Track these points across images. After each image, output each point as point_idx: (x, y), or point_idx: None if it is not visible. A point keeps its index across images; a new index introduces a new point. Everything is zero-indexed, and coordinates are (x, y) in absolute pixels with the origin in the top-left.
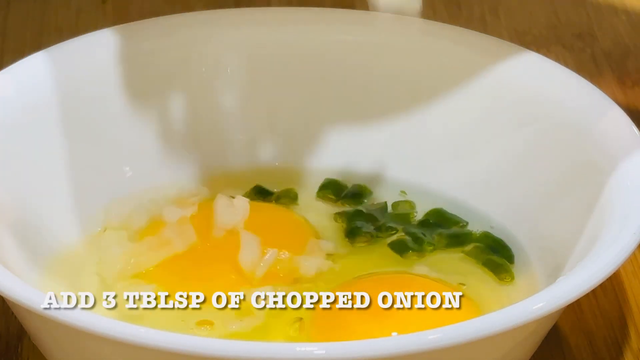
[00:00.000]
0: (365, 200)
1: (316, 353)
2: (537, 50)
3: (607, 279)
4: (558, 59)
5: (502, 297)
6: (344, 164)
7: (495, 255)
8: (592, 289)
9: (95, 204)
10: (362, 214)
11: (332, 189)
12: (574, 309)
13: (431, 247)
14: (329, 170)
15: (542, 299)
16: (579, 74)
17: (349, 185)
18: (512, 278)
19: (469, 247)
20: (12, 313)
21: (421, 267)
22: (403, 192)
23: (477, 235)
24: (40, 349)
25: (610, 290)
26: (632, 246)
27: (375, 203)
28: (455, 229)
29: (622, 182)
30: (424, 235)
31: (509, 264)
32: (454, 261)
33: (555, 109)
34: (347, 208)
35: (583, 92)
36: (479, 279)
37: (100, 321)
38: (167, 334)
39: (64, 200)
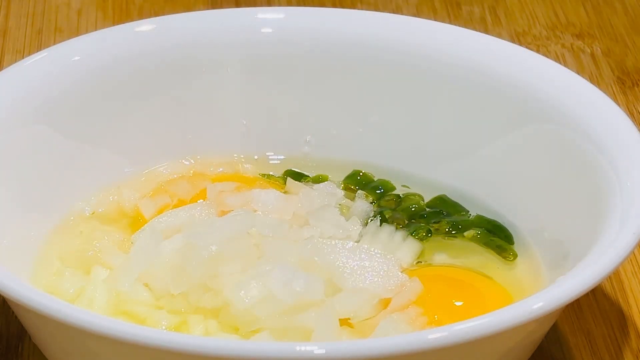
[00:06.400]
0: (380, 192)
1: (316, 353)
2: (537, 50)
3: (607, 279)
4: (558, 59)
5: (512, 276)
6: (345, 159)
7: (494, 236)
8: (592, 288)
9: (88, 189)
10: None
11: (356, 180)
12: (574, 309)
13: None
14: (330, 165)
15: (542, 299)
16: (579, 74)
17: (375, 178)
18: (515, 256)
19: (469, 233)
20: (13, 313)
21: (441, 255)
22: (405, 185)
23: (473, 219)
24: (41, 348)
25: (610, 290)
26: (632, 246)
27: (390, 195)
28: (454, 217)
29: (622, 182)
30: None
31: (508, 244)
32: (461, 246)
33: (555, 108)
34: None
35: (583, 92)
36: (488, 260)
37: (100, 321)
38: (167, 333)
39: (59, 186)
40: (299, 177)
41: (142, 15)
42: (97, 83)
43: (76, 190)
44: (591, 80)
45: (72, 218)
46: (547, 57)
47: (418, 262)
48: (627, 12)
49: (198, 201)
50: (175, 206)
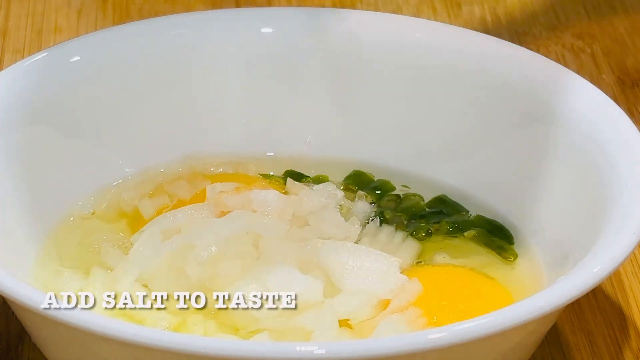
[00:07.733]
0: (380, 192)
1: (316, 353)
2: (537, 50)
3: (607, 279)
4: (558, 59)
5: (513, 277)
6: (345, 159)
7: (495, 236)
8: (591, 289)
9: (88, 189)
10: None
11: (356, 180)
12: (574, 309)
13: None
14: (330, 165)
15: (542, 299)
16: (579, 74)
17: (375, 178)
18: (515, 256)
19: (469, 233)
20: (13, 313)
21: (441, 255)
22: (405, 185)
23: (473, 219)
24: (41, 348)
25: (610, 290)
26: (632, 246)
27: (390, 195)
28: (454, 217)
29: (622, 182)
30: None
31: (508, 244)
32: (461, 246)
33: (555, 109)
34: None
35: (583, 92)
36: (488, 260)
37: (100, 321)
38: (167, 333)
39: (59, 186)
40: (299, 177)
41: (142, 15)
42: (97, 83)
43: (76, 190)
44: (591, 80)
45: (72, 218)
46: (547, 57)
47: (418, 262)
48: (627, 12)
49: (197, 202)
50: (175, 206)
